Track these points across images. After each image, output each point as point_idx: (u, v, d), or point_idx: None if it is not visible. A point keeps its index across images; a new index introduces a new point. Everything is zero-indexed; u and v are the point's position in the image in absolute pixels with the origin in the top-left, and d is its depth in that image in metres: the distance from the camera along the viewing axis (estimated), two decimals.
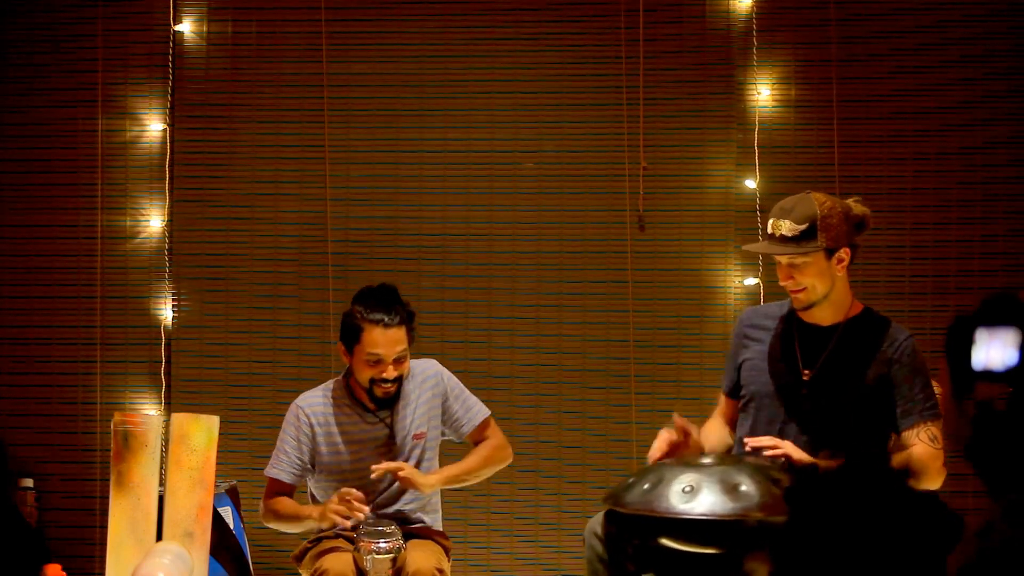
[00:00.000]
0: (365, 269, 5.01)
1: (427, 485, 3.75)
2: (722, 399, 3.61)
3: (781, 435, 3.33)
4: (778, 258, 3.34)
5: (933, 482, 3.29)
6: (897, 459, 3.13)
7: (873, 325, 3.38)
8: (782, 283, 3.36)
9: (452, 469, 3.85)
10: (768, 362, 3.43)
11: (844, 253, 3.33)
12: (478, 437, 3.93)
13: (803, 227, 3.28)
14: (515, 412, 5.03)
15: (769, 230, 3.35)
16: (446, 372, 3.92)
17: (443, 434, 3.90)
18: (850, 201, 3.41)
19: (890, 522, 1.45)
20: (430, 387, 3.87)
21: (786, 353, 3.41)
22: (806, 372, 3.37)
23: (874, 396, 3.31)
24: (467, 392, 3.93)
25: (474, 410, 3.91)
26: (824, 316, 3.39)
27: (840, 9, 5.06)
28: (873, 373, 3.32)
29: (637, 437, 4.92)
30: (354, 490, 3.61)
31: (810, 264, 3.30)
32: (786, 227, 3.29)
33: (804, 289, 3.32)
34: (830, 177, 4.97)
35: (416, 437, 3.81)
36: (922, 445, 3.27)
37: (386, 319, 3.71)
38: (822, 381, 3.35)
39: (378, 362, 3.72)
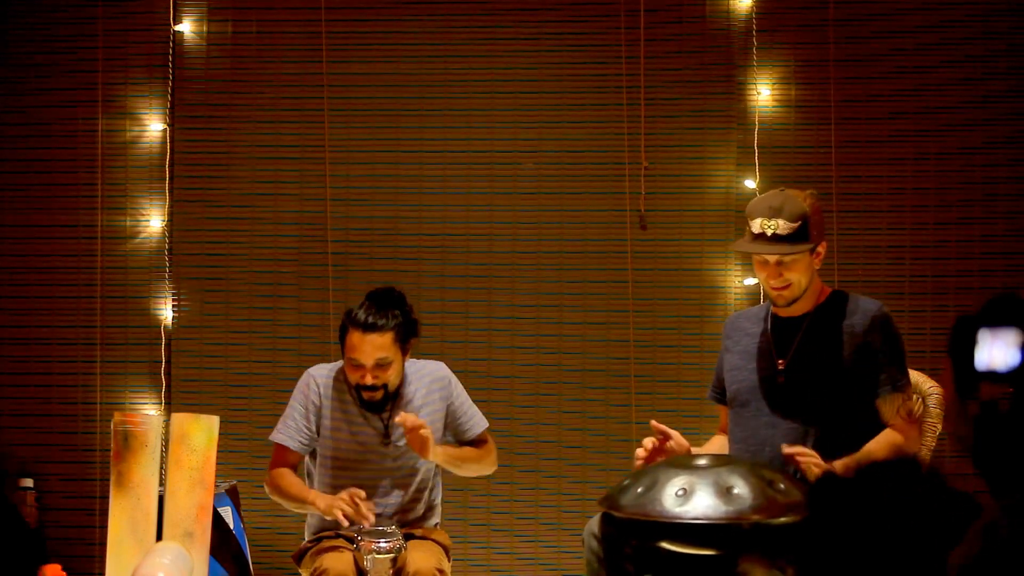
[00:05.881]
0: (365, 269, 5.01)
1: (437, 455, 3.73)
2: (721, 411, 3.65)
3: (771, 427, 3.36)
4: (767, 257, 3.37)
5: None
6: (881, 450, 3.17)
7: (842, 304, 3.44)
8: (769, 282, 3.40)
9: (452, 449, 3.84)
10: (747, 360, 3.47)
11: (823, 247, 3.43)
12: (476, 442, 3.95)
13: (797, 225, 3.33)
14: (515, 412, 5.03)
15: (757, 229, 3.36)
16: (454, 378, 3.91)
17: (445, 438, 3.89)
18: (813, 194, 3.46)
19: (917, 523, 1.45)
20: (438, 389, 3.86)
21: (763, 349, 3.46)
22: (780, 362, 3.40)
23: (854, 370, 3.35)
24: (470, 400, 3.94)
25: (476, 419, 3.93)
26: (798, 308, 3.45)
27: (839, 9, 5.06)
28: (848, 348, 3.36)
29: (637, 437, 4.89)
30: (363, 494, 3.60)
31: (798, 260, 3.35)
32: (781, 226, 3.33)
33: (789, 286, 3.38)
34: (830, 177, 4.98)
35: None
36: (897, 429, 3.35)
37: (366, 324, 3.66)
38: (798, 367, 3.38)
39: (358, 367, 3.70)
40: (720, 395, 3.61)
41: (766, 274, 3.40)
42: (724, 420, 3.62)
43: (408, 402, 3.82)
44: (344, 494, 3.60)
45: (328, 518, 3.66)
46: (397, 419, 3.64)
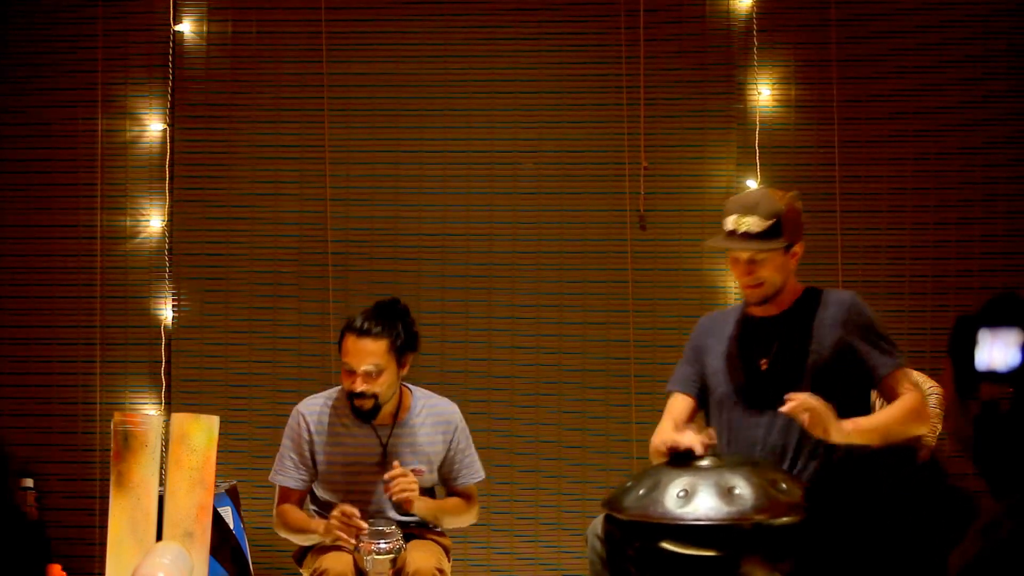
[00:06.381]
0: (365, 269, 5.01)
1: (419, 510, 3.71)
2: (676, 400, 3.52)
3: (757, 427, 3.34)
4: (738, 254, 3.37)
5: (924, 426, 3.36)
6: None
7: (815, 299, 3.44)
8: (740, 279, 3.40)
9: (434, 504, 3.81)
10: (729, 361, 3.45)
11: (799, 247, 3.40)
12: (462, 494, 3.90)
13: (770, 223, 3.33)
14: (515, 412, 5.04)
15: (730, 227, 3.36)
16: (463, 424, 3.86)
17: (435, 479, 3.86)
18: (794, 195, 3.46)
19: (909, 513, 1.46)
20: (442, 431, 3.82)
21: (742, 351, 3.44)
22: (763, 362, 3.39)
23: (835, 364, 3.33)
24: (473, 449, 3.88)
25: (472, 469, 3.87)
26: (773, 307, 3.44)
27: (840, 9, 5.07)
28: (828, 342, 3.35)
29: (637, 437, 4.92)
30: (348, 507, 3.57)
31: (770, 259, 3.34)
32: (752, 223, 3.32)
33: (762, 284, 3.37)
34: (832, 177, 4.98)
35: (415, 472, 3.73)
36: (909, 393, 3.30)
37: (361, 330, 3.63)
38: (779, 365, 3.38)
39: (350, 372, 3.66)
40: (695, 390, 3.51)
41: (739, 271, 3.41)
42: (679, 409, 3.50)
43: (411, 431, 3.80)
44: (336, 511, 3.58)
45: (328, 541, 3.63)
46: (387, 476, 3.61)
